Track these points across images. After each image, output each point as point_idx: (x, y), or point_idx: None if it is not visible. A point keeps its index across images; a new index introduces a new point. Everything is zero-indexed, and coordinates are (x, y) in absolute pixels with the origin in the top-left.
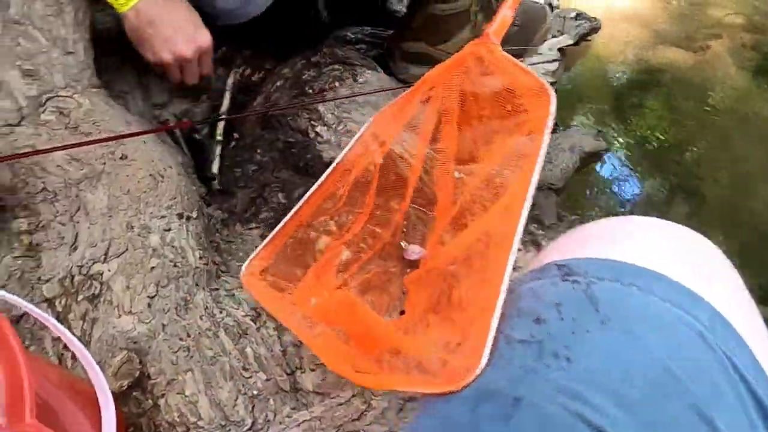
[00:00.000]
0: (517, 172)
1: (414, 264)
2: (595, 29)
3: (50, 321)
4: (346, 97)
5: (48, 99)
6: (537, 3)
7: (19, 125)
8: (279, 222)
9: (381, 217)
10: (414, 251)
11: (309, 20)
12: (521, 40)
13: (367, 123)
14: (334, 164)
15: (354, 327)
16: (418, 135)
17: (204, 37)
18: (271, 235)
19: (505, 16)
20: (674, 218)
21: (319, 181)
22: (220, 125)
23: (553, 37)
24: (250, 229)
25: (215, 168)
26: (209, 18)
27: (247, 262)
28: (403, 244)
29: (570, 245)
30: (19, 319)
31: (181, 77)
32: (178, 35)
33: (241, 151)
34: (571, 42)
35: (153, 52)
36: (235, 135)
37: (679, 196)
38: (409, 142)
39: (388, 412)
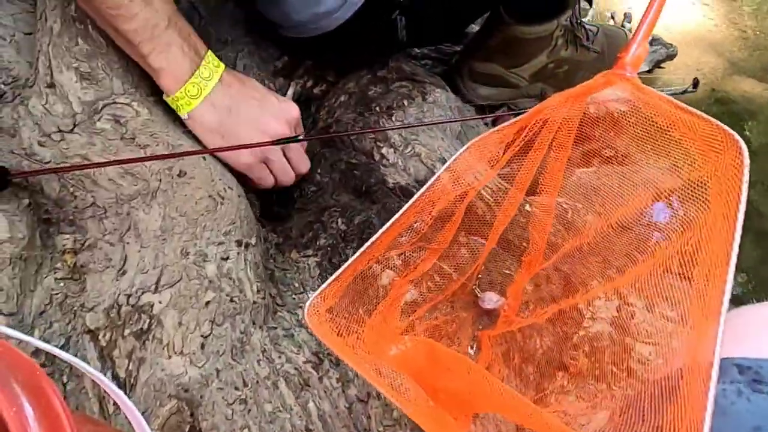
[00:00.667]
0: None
1: (489, 313)
2: (671, 56)
3: (84, 366)
4: (418, 125)
5: (104, 105)
6: (616, 28)
7: (72, 132)
8: (337, 250)
9: (455, 257)
10: (491, 299)
11: (383, 39)
12: (600, 67)
13: (462, 149)
14: (420, 192)
15: (450, 383)
16: (516, 174)
17: (291, 108)
18: (340, 271)
19: (642, 46)
20: None
21: (401, 212)
22: None
23: None
24: (306, 256)
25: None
26: (278, 29)
27: (310, 300)
28: (476, 290)
29: (749, 333)
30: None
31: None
32: (266, 115)
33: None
34: (646, 68)
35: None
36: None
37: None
38: (502, 180)
39: None
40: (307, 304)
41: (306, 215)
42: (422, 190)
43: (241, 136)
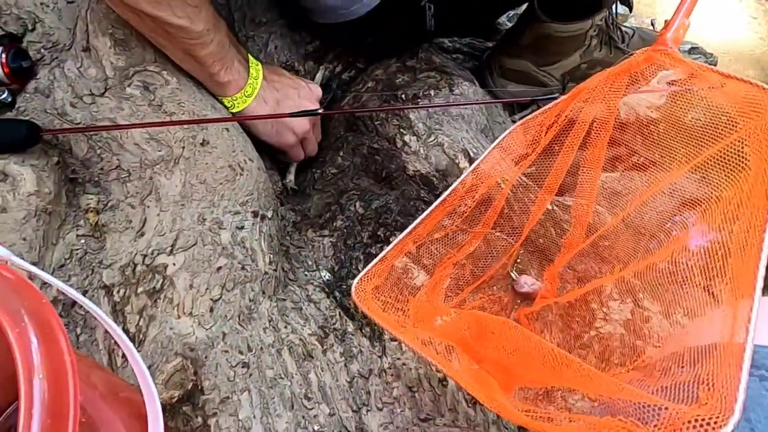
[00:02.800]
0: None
1: (525, 297)
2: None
3: (100, 314)
4: (440, 106)
5: (135, 72)
6: (653, 31)
7: (103, 96)
8: (353, 232)
9: (495, 242)
10: (526, 283)
11: (412, 27)
12: None
13: (505, 132)
14: (463, 176)
15: (495, 351)
16: (555, 159)
17: (317, 88)
18: (387, 250)
19: (683, 22)
20: None
21: (446, 194)
22: None
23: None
24: (322, 236)
25: (292, 174)
26: (308, 14)
27: (358, 277)
28: (512, 274)
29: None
30: (73, 304)
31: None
32: (302, 100)
33: (322, 152)
34: (683, 76)
35: (292, 130)
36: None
37: None
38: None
39: None
40: (355, 281)
41: (325, 196)
42: (470, 169)
43: (289, 123)
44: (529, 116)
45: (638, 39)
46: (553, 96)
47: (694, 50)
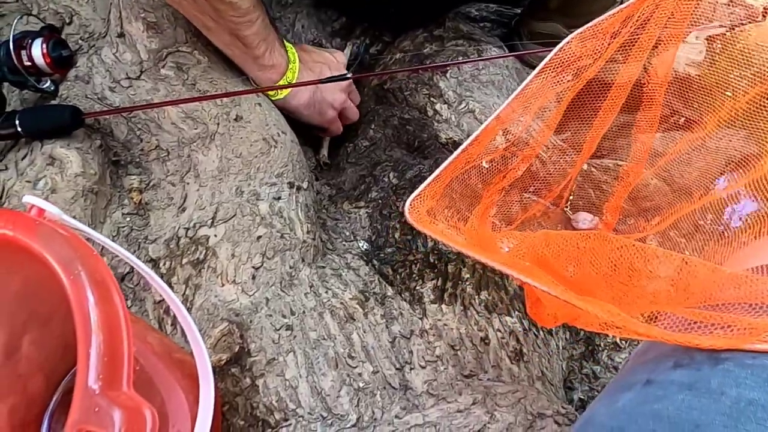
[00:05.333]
0: None
1: None
2: (752, 17)
3: (155, 279)
4: (469, 61)
5: (168, 54)
6: None
7: (139, 79)
8: (388, 202)
9: (551, 171)
10: (585, 219)
11: None
12: None
13: (567, 38)
14: (519, 89)
15: (580, 268)
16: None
17: (340, 55)
18: (439, 170)
19: None
20: None
21: (499, 110)
22: None
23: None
24: (358, 208)
25: (325, 149)
26: None
27: (411, 197)
28: (568, 211)
29: None
30: (123, 278)
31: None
32: (334, 72)
33: (353, 126)
34: (722, 31)
35: (331, 105)
36: None
37: None
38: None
39: (515, 428)
40: (408, 202)
41: (359, 169)
42: (525, 82)
43: (328, 99)
44: (588, 25)
45: None
46: None
47: (733, 2)
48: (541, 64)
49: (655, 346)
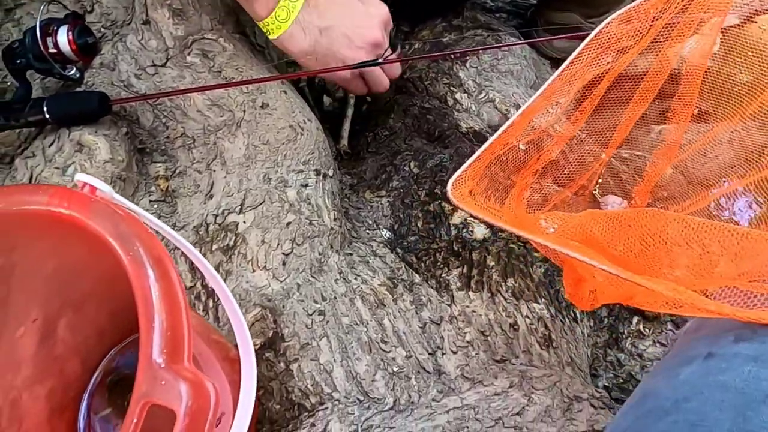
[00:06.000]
0: None
1: None
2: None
3: (200, 258)
4: (492, 47)
5: (194, 41)
6: None
7: (165, 66)
8: (409, 191)
9: (582, 153)
10: (614, 203)
11: None
12: None
13: (608, 19)
14: (560, 69)
15: (632, 245)
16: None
17: (382, 8)
18: (479, 151)
19: None
20: None
21: (541, 90)
22: None
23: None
24: (380, 197)
25: (345, 139)
26: None
27: (452, 179)
28: (597, 194)
29: None
30: None
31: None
32: (357, 27)
33: (373, 115)
34: (736, 22)
35: (342, 62)
36: (368, 98)
37: None
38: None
39: (554, 411)
40: (450, 182)
41: (379, 159)
42: (571, 57)
43: (337, 56)
44: (629, 5)
45: None
46: None
47: None
48: (582, 45)
49: (708, 322)
